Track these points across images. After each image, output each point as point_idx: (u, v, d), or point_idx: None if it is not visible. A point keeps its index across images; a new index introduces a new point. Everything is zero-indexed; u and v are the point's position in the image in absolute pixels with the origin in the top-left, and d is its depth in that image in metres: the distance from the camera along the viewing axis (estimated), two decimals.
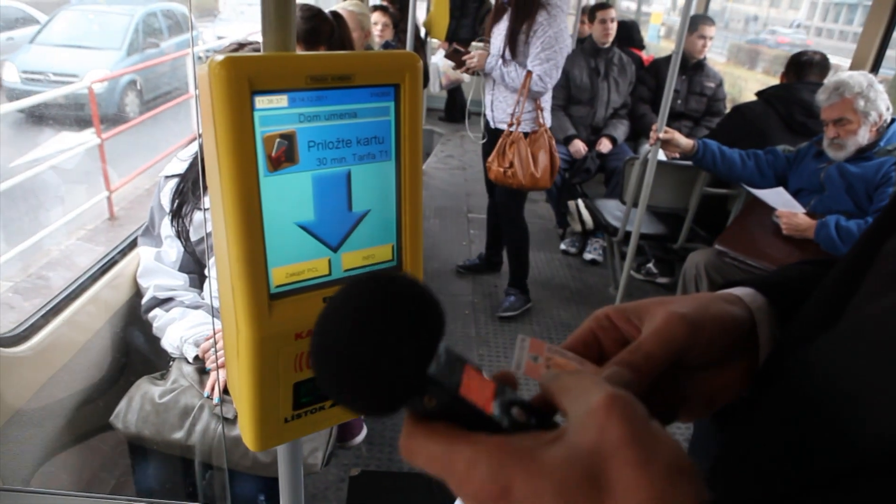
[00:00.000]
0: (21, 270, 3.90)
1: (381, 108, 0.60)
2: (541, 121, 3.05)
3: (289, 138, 0.56)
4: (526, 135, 3.05)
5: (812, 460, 0.35)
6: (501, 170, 3.04)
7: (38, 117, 5.15)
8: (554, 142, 3.10)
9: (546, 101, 3.08)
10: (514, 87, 2.98)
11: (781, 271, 0.55)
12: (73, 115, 5.80)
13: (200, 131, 0.62)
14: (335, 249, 0.62)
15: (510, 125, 3.03)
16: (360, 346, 0.33)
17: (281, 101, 0.55)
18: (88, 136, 4.93)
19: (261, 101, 0.54)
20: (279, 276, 0.59)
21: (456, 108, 6.75)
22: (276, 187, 0.57)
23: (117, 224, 4.83)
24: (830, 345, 0.38)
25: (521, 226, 3.34)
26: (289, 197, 0.58)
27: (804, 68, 3.03)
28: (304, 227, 0.59)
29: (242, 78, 0.52)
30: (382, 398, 0.33)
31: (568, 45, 3.05)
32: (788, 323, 0.48)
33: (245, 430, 0.70)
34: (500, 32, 3.04)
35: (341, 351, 0.33)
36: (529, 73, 2.91)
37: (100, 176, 4.85)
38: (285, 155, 0.56)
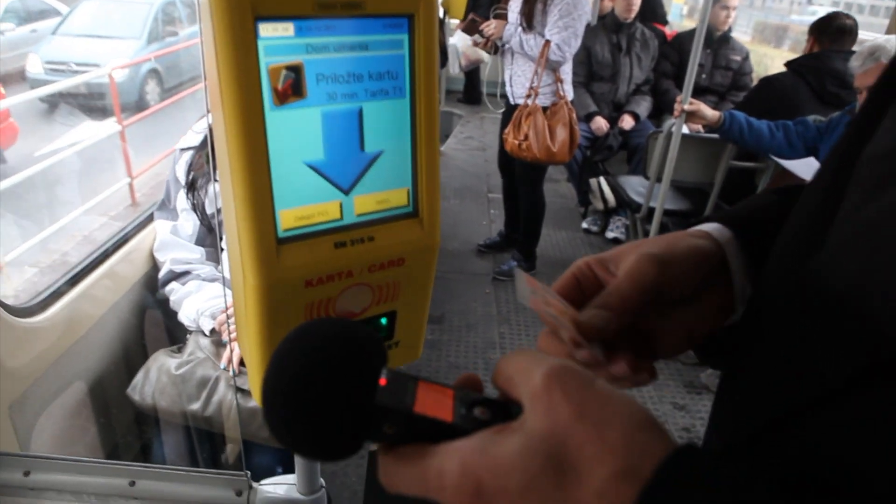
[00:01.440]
0: (45, 256, 3.95)
1: (394, 40, 0.56)
2: (561, 93, 2.99)
3: (296, 70, 0.53)
4: (545, 108, 3.00)
5: (826, 370, 0.35)
6: (517, 142, 2.99)
7: (61, 107, 5.18)
8: (575, 115, 3.04)
9: (566, 73, 3.02)
10: (532, 55, 2.93)
11: (749, 202, 0.55)
12: (95, 104, 5.90)
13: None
14: (347, 192, 0.58)
15: (528, 96, 2.98)
16: (301, 391, 0.34)
17: (287, 29, 0.51)
18: (110, 125, 4.97)
19: (265, 29, 0.50)
20: (287, 219, 0.56)
21: (475, 89, 6.67)
22: (282, 123, 0.53)
23: (139, 210, 4.86)
24: (829, 257, 0.37)
25: (538, 199, 3.33)
26: (297, 134, 0.54)
27: (836, 35, 2.91)
28: (313, 167, 0.56)
29: (245, 2, 0.49)
30: (336, 439, 0.34)
31: (587, 13, 2.99)
32: (768, 250, 0.47)
33: (256, 389, 0.67)
34: (515, 7, 2.99)
35: (286, 398, 0.34)
36: (548, 42, 2.85)
37: (121, 163, 4.89)
38: (292, 88, 0.53)
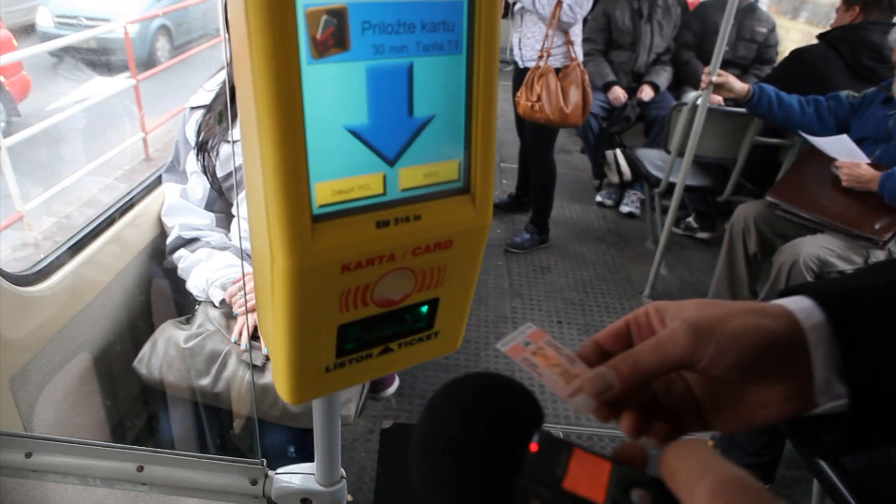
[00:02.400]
0: (63, 207, 3.96)
1: None
2: (572, 55, 2.92)
3: (339, 16, 0.44)
4: (558, 71, 2.95)
5: None
6: (529, 104, 2.95)
7: (69, 61, 5.08)
8: (587, 77, 2.96)
9: (576, 35, 2.96)
10: (544, 14, 2.85)
11: (859, 277, 0.45)
12: (104, 59, 5.79)
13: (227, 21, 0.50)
14: (392, 163, 0.50)
15: (539, 58, 2.91)
16: (453, 454, 0.34)
17: None
18: (120, 81, 4.92)
19: None
20: (323, 193, 0.48)
21: None
22: (321, 80, 0.45)
23: (153, 164, 4.85)
24: None
25: (549, 165, 3.27)
26: (337, 93, 0.46)
27: (875, 5, 2.77)
28: (354, 133, 0.48)
29: None
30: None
31: None
32: (884, 341, 0.40)
33: (280, 381, 0.60)
34: None
35: (436, 458, 0.36)
36: (560, 2, 2.77)
37: (133, 118, 4.88)
38: (333, 38, 0.44)
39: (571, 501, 0.29)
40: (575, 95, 2.93)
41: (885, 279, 0.43)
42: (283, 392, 0.60)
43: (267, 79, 0.43)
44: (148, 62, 6.41)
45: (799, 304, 0.43)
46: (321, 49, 0.44)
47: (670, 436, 0.45)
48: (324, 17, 0.44)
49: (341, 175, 0.48)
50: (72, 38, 5.32)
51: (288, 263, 0.48)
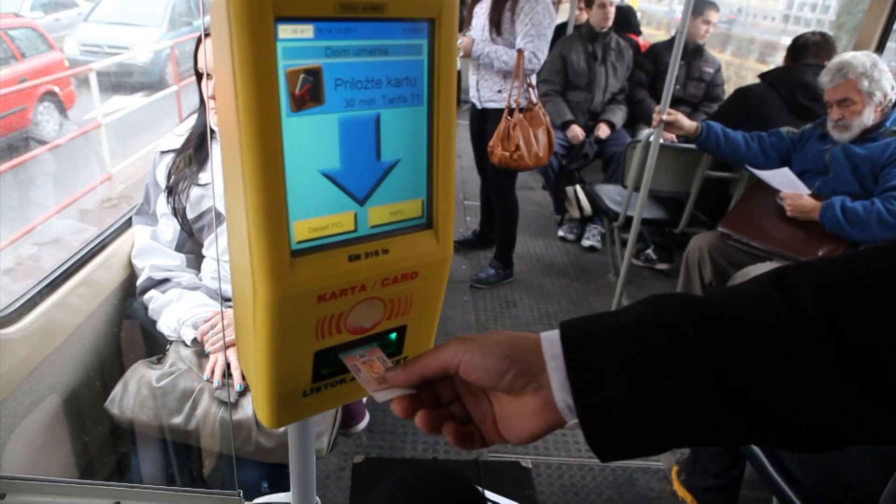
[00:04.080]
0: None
1: (414, 45, 0.54)
2: (533, 99, 3.01)
3: (314, 74, 0.50)
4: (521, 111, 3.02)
5: None
6: (507, 153, 2.99)
7: (95, 82, 5.57)
8: (549, 118, 3.06)
9: (533, 78, 3.06)
10: (506, 69, 2.94)
11: (614, 314, 0.52)
12: (123, 81, 7.18)
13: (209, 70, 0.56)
14: (362, 203, 0.56)
15: (509, 108, 2.98)
16: None
17: (306, 31, 0.49)
18: (137, 99, 6.41)
19: (284, 31, 0.48)
20: (301, 230, 0.54)
21: None
22: (299, 130, 0.51)
23: None
24: None
25: (511, 202, 3.36)
26: (313, 141, 0.52)
27: (803, 50, 2.98)
28: (328, 177, 0.54)
29: (266, 2, 0.46)
30: None
31: (554, 18, 3.03)
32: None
33: (260, 406, 0.64)
34: (482, 13, 3.00)
35: None
36: (521, 52, 2.87)
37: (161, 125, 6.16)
38: (310, 93, 0.51)
39: None
40: (543, 138, 3.02)
41: (632, 319, 0.50)
42: (264, 417, 0.64)
43: (252, 130, 0.49)
44: (159, 84, 7.51)
45: (551, 335, 0.51)
46: (299, 103, 0.50)
47: (466, 438, 0.55)
48: (301, 76, 0.50)
49: (317, 214, 0.54)
50: (105, 62, 6.55)
51: (269, 294, 0.53)
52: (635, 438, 0.48)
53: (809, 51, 2.98)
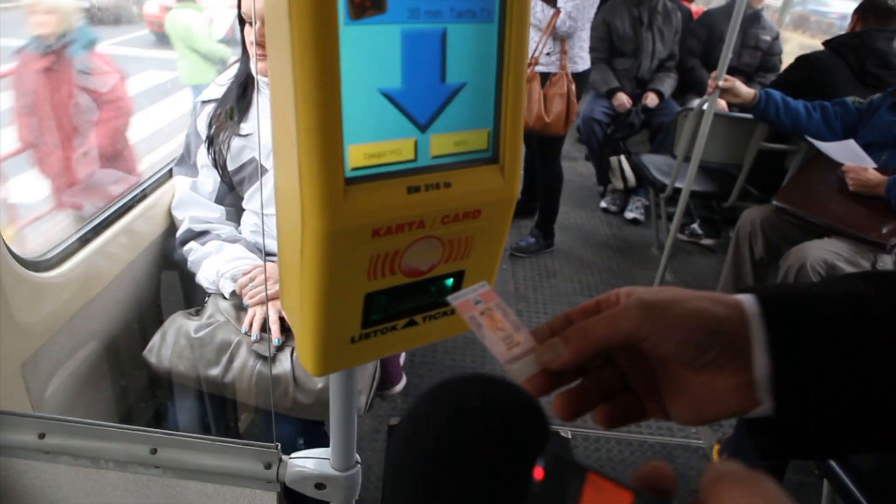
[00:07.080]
0: None
1: None
2: (564, 64, 2.91)
3: None
4: (545, 78, 2.93)
5: None
6: None
7: None
8: (574, 87, 2.96)
9: (575, 47, 2.97)
10: (539, 26, 2.86)
11: (815, 286, 0.44)
12: None
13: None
14: (423, 129, 0.50)
15: (529, 64, 2.92)
16: (434, 479, 0.28)
17: None
18: None
19: None
20: (356, 156, 0.48)
21: None
22: (357, 41, 0.45)
23: None
24: None
25: (556, 171, 3.30)
26: (372, 55, 0.46)
27: (881, 13, 2.79)
28: (388, 96, 0.48)
29: None
30: None
31: None
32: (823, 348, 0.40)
33: (304, 353, 0.60)
34: None
35: (412, 485, 0.28)
36: (557, 10, 2.77)
37: None
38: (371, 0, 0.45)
39: None
40: (558, 105, 2.92)
41: (840, 290, 0.42)
42: (308, 364, 0.59)
43: (306, 37, 0.43)
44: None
45: (746, 297, 0.43)
46: (358, 10, 0.45)
47: (615, 420, 0.46)
48: None
49: (374, 139, 0.49)
50: None
51: (320, 226, 0.48)
52: (835, 439, 0.41)
53: (882, 14, 2.78)
